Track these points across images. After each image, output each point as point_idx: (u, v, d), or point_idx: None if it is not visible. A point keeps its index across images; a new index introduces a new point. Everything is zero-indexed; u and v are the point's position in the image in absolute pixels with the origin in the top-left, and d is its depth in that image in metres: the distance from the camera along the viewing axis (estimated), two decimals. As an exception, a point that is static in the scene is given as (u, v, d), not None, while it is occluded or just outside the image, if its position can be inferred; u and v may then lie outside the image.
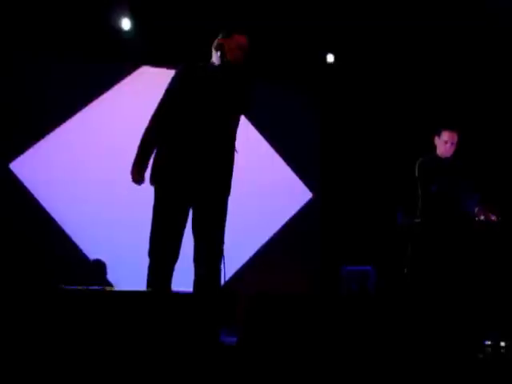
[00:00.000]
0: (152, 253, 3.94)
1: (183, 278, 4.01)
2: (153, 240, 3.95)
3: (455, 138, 5.72)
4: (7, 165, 7.11)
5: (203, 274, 3.95)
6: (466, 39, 7.42)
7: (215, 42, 4.15)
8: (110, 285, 7.01)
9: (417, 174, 5.76)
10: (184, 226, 3.97)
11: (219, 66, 4.11)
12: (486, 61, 7.56)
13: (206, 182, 3.94)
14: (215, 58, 4.16)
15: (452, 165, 5.74)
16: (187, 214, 3.99)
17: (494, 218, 5.46)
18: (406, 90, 8.34)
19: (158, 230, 3.96)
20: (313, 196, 8.71)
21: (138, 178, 4.00)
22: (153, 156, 4.03)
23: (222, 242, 3.99)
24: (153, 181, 3.99)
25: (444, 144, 5.70)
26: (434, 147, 5.80)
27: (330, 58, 8.37)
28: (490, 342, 4.95)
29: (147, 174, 4.02)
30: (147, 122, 4.07)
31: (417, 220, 5.64)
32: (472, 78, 7.73)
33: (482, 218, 5.45)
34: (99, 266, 6.84)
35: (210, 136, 3.97)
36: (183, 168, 3.92)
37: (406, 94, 8.35)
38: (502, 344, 4.98)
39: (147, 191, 4.08)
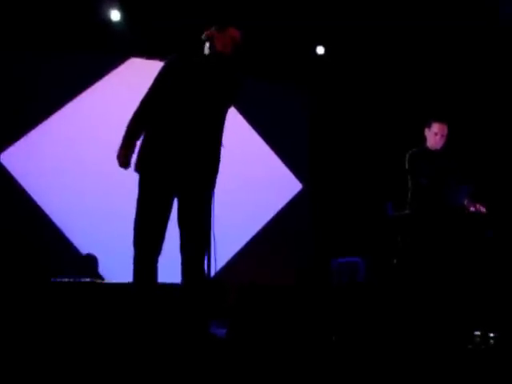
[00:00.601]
0: (137, 243, 3.94)
1: (171, 269, 4.03)
2: (137, 230, 3.95)
3: (445, 129, 5.75)
4: (-4, 157, 7.09)
5: (188, 263, 3.95)
6: (457, 34, 7.43)
7: (204, 34, 4.14)
8: (101, 277, 7.01)
9: (407, 167, 5.78)
10: (168, 215, 3.97)
11: (207, 56, 4.11)
12: (476, 54, 7.57)
13: (190, 172, 3.94)
14: (206, 49, 4.16)
15: (442, 157, 5.77)
16: (171, 203, 3.99)
17: (483, 209, 5.50)
18: (396, 82, 8.35)
19: (142, 220, 3.95)
20: (303, 187, 8.73)
21: (123, 161, 3.99)
22: (139, 143, 4.03)
23: (206, 230, 3.98)
24: (138, 168, 3.99)
25: (434, 136, 5.73)
26: (424, 139, 5.82)
27: (320, 49, 8.37)
28: (479, 333, 4.98)
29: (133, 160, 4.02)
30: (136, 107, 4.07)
31: (407, 212, 5.67)
32: (461, 71, 7.74)
33: (472, 209, 5.48)
34: (90, 260, 6.83)
35: (197, 127, 3.96)
36: (168, 157, 3.91)
37: (396, 86, 8.36)
38: (491, 335, 5.00)
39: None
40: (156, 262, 3.93)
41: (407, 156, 5.81)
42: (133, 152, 4.00)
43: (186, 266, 3.93)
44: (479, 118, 7.63)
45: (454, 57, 7.71)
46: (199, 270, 3.92)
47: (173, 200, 3.99)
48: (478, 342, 4.90)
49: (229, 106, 4.18)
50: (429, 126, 5.77)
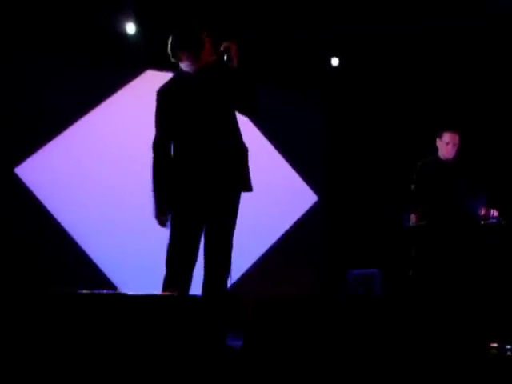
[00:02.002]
0: (168, 265, 3.97)
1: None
2: (170, 253, 3.98)
3: (456, 139, 5.75)
4: (12, 169, 7.10)
5: (211, 279, 3.96)
6: (469, 40, 7.42)
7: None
8: (115, 288, 7.02)
9: (414, 178, 5.79)
10: (199, 241, 4.00)
11: (217, 70, 4.10)
12: (486, 61, 7.57)
13: (218, 199, 3.96)
14: (186, 65, 4.13)
15: (455, 167, 5.76)
16: (202, 229, 4.02)
17: (496, 213, 5.48)
18: (411, 92, 8.34)
19: (174, 245, 3.98)
20: (318, 199, 8.71)
21: (163, 218, 4.00)
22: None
23: (230, 252, 4.01)
24: (169, 208, 4.01)
25: (445, 145, 5.73)
26: (436, 149, 5.82)
27: (335, 61, 8.37)
28: (495, 345, 4.94)
29: None
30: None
31: (422, 222, 5.65)
32: (474, 79, 7.73)
33: (483, 213, 5.47)
34: None
35: (218, 144, 3.97)
36: (196, 186, 3.93)
37: (411, 97, 8.35)
38: (508, 347, 4.96)
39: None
40: (187, 281, 3.95)
41: (417, 166, 5.82)
42: (167, 203, 4.00)
43: (208, 282, 3.95)
44: (492, 126, 7.63)
45: (472, 65, 7.70)
46: (221, 285, 3.93)
47: (203, 225, 4.01)
48: (495, 353, 4.86)
49: (250, 115, 4.20)
50: (440, 136, 5.78)
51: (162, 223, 4.00)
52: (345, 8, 7.33)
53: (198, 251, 3.99)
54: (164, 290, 3.92)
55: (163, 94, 4.10)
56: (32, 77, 7.30)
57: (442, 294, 5.26)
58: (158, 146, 4.05)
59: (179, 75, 4.16)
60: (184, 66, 4.11)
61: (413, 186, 5.84)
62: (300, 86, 8.54)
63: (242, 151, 4.09)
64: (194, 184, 3.94)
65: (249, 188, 4.10)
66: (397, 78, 8.39)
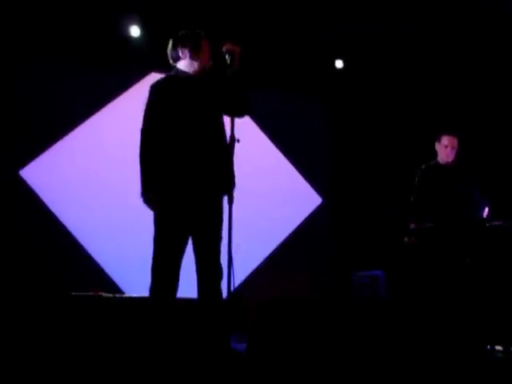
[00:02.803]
0: (154, 285, 3.94)
1: (189, 283, 4.04)
2: (154, 271, 3.95)
3: (455, 142, 5.76)
4: (17, 171, 7.11)
5: (205, 285, 3.96)
6: (469, 40, 7.42)
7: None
8: (121, 291, 7.02)
9: (416, 182, 5.80)
10: (183, 254, 3.98)
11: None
12: (486, 62, 7.57)
13: (205, 210, 3.95)
14: (185, 64, 4.15)
15: (454, 171, 5.76)
16: (187, 241, 3.99)
17: (485, 211, 5.50)
18: (417, 94, 8.33)
19: (159, 261, 3.96)
20: (323, 201, 8.71)
21: (153, 199, 3.96)
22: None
23: (219, 257, 3.98)
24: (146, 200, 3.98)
25: (444, 149, 5.75)
26: (436, 154, 5.83)
27: (339, 63, 8.36)
28: (500, 348, 4.94)
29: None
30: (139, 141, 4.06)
31: (428, 225, 5.64)
32: (475, 80, 7.73)
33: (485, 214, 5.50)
34: None
35: (205, 146, 3.97)
36: (182, 196, 3.92)
37: (417, 99, 8.34)
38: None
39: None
40: (173, 290, 3.92)
41: (418, 171, 5.83)
42: (156, 185, 3.96)
43: (202, 287, 3.94)
44: (493, 128, 7.63)
45: (474, 67, 7.70)
46: (217, 289, 3.92)
47: (188, 237, 3.99)
48: (500, 356, 4.85)
49: (237, 116, 4.19)
50: (439, 140, 5.79)
51: (152, 201, 3.95)
52: (349, 10, 7.34)
53: (183, 256, 3.98)
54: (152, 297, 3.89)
55: (156, 89, 4.11)
56: (36, 79, 7.32)
57: (445, 297, 5.25)
58: (147, 132, 4.05)
59: (175, 73, 4.18)
60: (182, 65, 4.13)
61: (413, 196, 5.86)
62: (305, 88, 8.54)
63: (228, 153, 4.07)
64: (180, 186, 3.93)
65: (232, 187, 4.08)
66: (400, 80, 8.38)
